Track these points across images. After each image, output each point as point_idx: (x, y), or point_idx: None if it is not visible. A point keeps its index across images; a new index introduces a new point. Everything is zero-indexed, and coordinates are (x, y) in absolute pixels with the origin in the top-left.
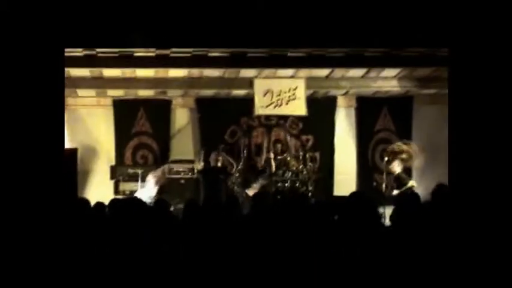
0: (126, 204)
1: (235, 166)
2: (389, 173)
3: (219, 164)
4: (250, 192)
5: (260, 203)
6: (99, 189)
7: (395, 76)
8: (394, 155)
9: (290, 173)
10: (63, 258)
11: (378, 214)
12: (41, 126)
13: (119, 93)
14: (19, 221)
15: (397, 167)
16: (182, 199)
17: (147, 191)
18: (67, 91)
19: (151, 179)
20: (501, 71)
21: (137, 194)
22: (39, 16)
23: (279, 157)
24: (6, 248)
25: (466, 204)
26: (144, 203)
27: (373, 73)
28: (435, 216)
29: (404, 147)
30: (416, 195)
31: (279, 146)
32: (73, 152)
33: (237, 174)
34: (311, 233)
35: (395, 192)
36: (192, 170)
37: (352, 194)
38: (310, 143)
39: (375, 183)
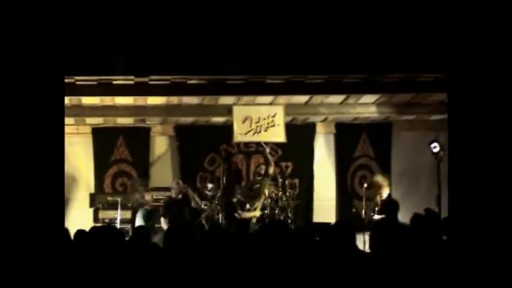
0: (106, 233)
1: (217, 192)
2: (370, 199)
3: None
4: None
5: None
6: (78, 217)
7: (374, 102)
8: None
9: (269, 200)
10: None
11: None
12: (40, 155)
13: (97, 121)
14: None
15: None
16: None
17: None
18: None
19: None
20: (498, 94)
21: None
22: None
23: (257, 185)
24: None
25: (466, 232)
26: (122, 231)
27: (352, 99)
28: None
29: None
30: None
31: (262, 169)
32: None
33: (216, 202)
34: (291, 259)
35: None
36: (170, 197)
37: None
38: (289, 170)
39: (354, 210)
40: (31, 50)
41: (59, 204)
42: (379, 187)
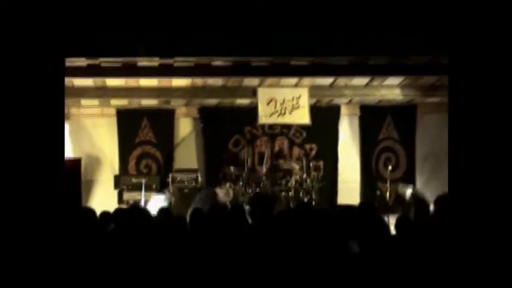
0: (131, 214)
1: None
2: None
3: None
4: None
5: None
6: (103, 199)
7: (399, 84)
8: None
9: (294, 182)
10: (68, 268)
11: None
12: (42, 136)
13: (122, 102)
14: (21, 229)
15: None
16: (186, 208)
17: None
18: (71, 101)
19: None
20: (500, 78)
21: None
22: (41, 25)
23: (283, 166)
24: (9, 258)
25: (467, 211)
26: (148, 212)
27: (376, 81)
28: (439, 226)
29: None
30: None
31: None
32: (77, 161)
33: (241, 183)
34: (315, 241)
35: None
36: (196, 179)
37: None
38: (313, 152)
39: (378, 192)
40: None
41: (57, 184)
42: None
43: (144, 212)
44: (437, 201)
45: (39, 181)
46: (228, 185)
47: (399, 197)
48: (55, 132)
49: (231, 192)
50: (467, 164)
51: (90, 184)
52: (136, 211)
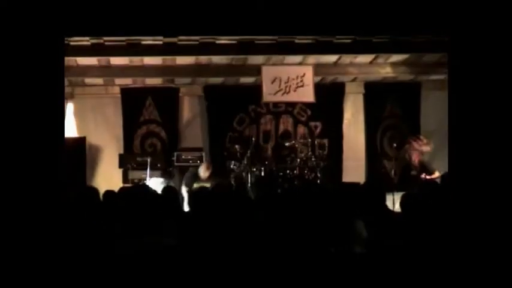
0: (136, 193)
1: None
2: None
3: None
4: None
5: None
6: (108, 178)
7: (403, 62)
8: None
9: (298, 160)
10: (71, 248)
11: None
12: (41, 116)
13: (126, 81)
14: (24, 211)
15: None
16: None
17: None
18: (75, 80)
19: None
20: (501, 59)
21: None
22: (42, 5)
23: (287, 144)
24: (12, 241)
25: (466, 192)
26: (153, 191)
27: (381, 59)
28: (445, 204)
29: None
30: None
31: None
32: (81, 140)
33: (245, 162)
34: (319, 220)
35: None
36: (200, 158)
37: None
38: (318, 130)
39: (383, 170)
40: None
41: (59, 167)
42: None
43: (149, 190)
44: (444, 178)
45: (39, 162)
46: (207, 162)
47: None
48: (55, 113)
49: (210, 167)
50: (467, 144)
51: (96, 163)
52: (141, 190)
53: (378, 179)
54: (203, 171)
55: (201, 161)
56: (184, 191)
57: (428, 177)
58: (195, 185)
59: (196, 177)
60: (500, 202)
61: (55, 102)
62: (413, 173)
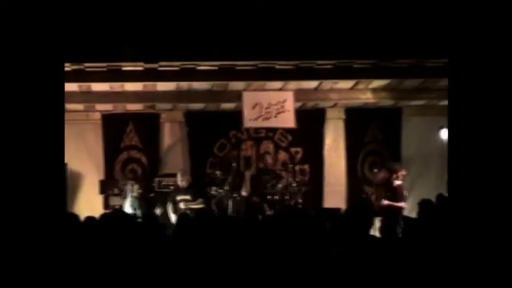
0: (116, 219)
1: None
2: (380, 184)
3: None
4: None
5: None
6: (89, 204)
7: (384, 88)
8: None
9: (279, 186)
10: (53, 273)
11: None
12: (41, 141)
13: (107, 107)
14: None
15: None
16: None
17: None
18: None
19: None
20: (499, 79)
21: None
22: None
23: (269, 168)
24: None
25: (465, 212)
26: (132, 217)
27: (361, 85)
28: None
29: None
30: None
31: (267, 158)
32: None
33: (227, 187)
34: (304, 243)
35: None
36: (181, 183)
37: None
38: (299, 156)
39: (364, 195)
40: (32, 36)
41: (60, 190)
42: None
43: (128, 217)
44: (422, 204)
45: (39, 186)
46: (181, 171)
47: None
48: (56, 137)
49: (186, 174)
50: (466, 165)
51: (77, 189)
52: (120, 216)
53: (364, 204)
54: (180, 180)
55: (181, 187)
56: (169, 209)
57: (395, 204)
58: (178, 198)
59: (177, 189)
60: (501, 225)
61: (55, 128)
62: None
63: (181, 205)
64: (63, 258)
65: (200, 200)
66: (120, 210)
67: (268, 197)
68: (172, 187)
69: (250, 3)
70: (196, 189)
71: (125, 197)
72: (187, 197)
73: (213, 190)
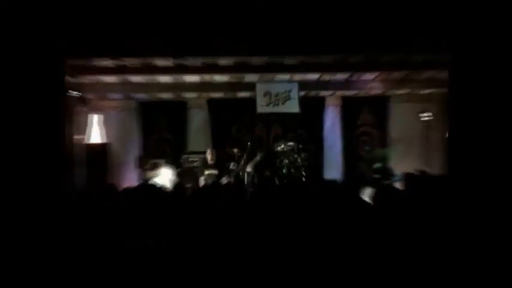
0: (148, 188)
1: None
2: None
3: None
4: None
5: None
6: (126, 177)
7: (374, 79)
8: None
9: (287, 161)
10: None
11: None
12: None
13: (143, 96)
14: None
15: None
16: (195, 182)
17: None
18: (99, 96)
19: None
20: (497, 75)
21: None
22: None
23: (278, 148)
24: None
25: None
26: (162, 186)
27: (355, 77)
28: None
29: None
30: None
31: (279, 138)
32: (105, 145)
33: (242, 163)
34: (306, 211)
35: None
36: (204, 160)
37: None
38: (303, 136)
39: (358, 169)
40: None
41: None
42: None
43: (158, 187)
44: (407, 177)
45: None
46: (209, 148)
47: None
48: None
49: (213, 152)
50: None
51: (117, 164)
52: (151, 186)
53: (358, 177)
54: (209, 157)
55: (205, 164)
56: (201, 181)
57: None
58: (206, 172)
59: (205, 164)
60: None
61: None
62: None
63: (209, 178)
64: (96, 222)
65: (226, 175)
66: (150, 183)
67: (279, 172)
68: (196, 163)
69: (265, 9)
70: (220, 164)
71: (156, 171)
72: (215, 172)
73: (232, 165)
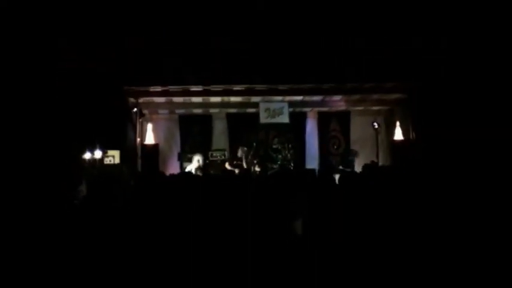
0: (186, 176)
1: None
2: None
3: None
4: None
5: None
6: (171, 167)
7: (340, 99)
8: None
9: (280, 156)
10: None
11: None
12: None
13: (182, 111)
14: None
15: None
16: (218, 171)
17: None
18: (152, 111)
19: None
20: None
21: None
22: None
23: (274, 146)
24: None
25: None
26: (195, 175)
27: (327, 98)
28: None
29: None
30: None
31: (275, 140)
32: (156, 145)
33: (249, 158)
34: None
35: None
36: (224, 155)
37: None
38: (291, 139)
39: (329, 162)
40: None
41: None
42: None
43: (193, 174)
44: (365, 167)
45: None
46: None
47: None
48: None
49: (231, 163)
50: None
51: (165, 159)
52: (188, 174)
53: (330, 167)
54: (239, 153)
55: (224, 157)
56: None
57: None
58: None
59: (224, 160)
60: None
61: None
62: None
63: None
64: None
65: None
66: (188, 171)
67: (274, 163)
68: (218, 157)
69: (267, 52)
70: (235, 160)
71: (191, 163)
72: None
73: (242, 161)
